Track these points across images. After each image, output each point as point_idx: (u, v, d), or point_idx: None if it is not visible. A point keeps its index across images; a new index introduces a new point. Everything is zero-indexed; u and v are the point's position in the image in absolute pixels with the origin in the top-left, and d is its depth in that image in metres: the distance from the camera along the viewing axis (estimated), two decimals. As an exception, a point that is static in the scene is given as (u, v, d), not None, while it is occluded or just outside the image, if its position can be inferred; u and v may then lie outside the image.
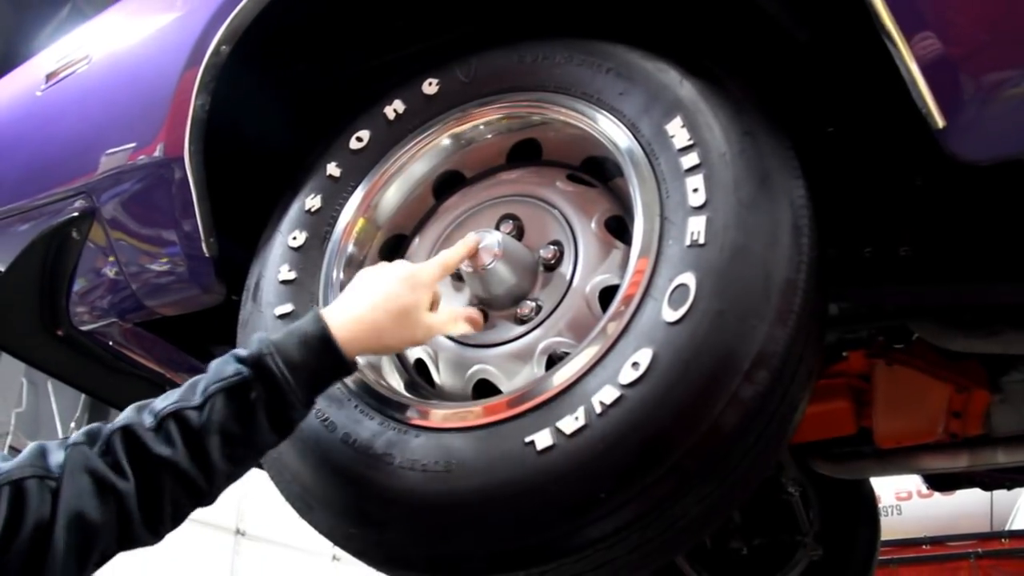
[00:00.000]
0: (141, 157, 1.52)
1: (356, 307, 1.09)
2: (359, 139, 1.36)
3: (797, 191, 1.08)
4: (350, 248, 1.31)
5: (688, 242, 1.03)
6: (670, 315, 1.00)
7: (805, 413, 1.83)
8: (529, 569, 1.02)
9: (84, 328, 1.76)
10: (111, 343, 1.83)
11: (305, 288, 1.29)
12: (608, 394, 0.99)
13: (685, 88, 1.13)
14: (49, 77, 1.79)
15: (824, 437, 2.09)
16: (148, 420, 0.97)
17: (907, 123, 1.28)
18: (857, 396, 1.97)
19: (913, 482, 5.41)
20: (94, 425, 0.97)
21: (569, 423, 0.99)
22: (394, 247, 1.37)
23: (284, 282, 1.31)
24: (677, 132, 1.10)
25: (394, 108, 1.35)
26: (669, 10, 1.34)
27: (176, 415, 0.97)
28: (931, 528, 5.02)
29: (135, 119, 1.56)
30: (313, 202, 1.35)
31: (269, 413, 1.01)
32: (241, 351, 1.04)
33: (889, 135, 1.41)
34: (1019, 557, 4.48)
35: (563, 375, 1.03)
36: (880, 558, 4.77)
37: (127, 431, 0.95)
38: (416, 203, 1.37)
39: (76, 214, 1.62)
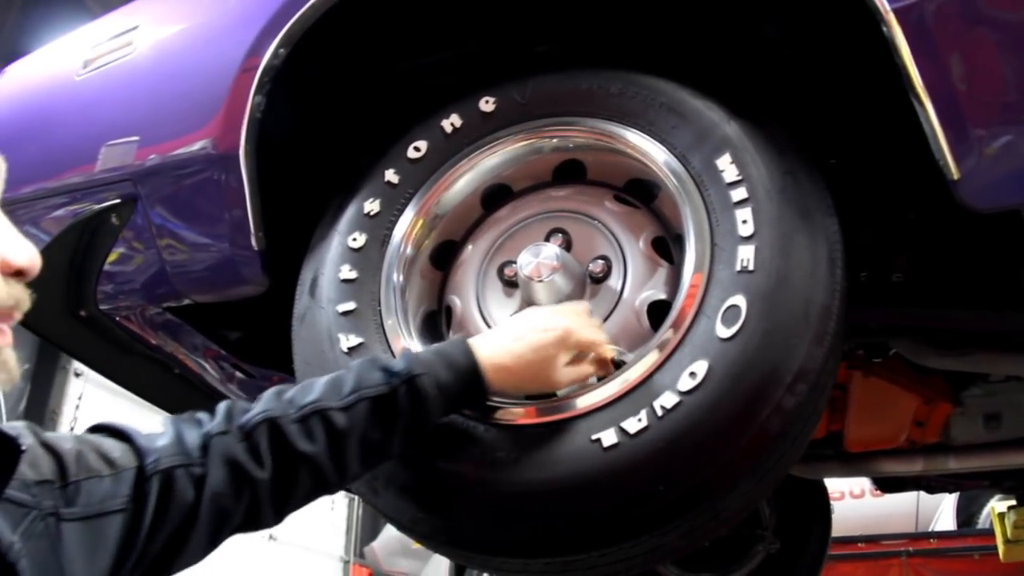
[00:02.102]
0: (192, 150, 1.57)
1: (507, 349, 1.16)
2: (417, 149, 1.46)
3: (832, 226, 1.22)
4: (408, 251, 1.41)
5: (739, 268, 1.16)
6: (723, 332, 1.12)
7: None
8: (589, 552, 1.14)
9: (107, 310, 1.82)
10: (132, 327, 1.89)
11: (366, 288, 1.38)
12: (668, 399, 1.11)
13: (732, 127, 1.26)
14: (87, 63, 1.84)
15: (796, 439, 2.25)
16: (291, 413, 1.04)
17: (905, 163, 1.43)
18: (831, 403, 2.13)
19: (845, 484, 5.68)
20: (232, 407, 1.05)
21: (633, 424, 1.12)
22: (444, 252, 1.48)
23: (345, 281, 1.40)
24: (727, 167, 1.23)
25: (451, 122, 1.45)
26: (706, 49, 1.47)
27: (322, 413, 1.05)
28: (861, 527, 5.26)
29: (186, 113, 1.61)
30: (372, 206, 1.45)
31: (408, 427, 1.10)
32: (390, 363, 1.12)
33: (887, 172, 1.56)
34: (946, 556, 4.74)
35: (625, 380, 1.16)
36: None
37: (272, 424, 1.03)
38: (466, 212, 1.47)
39: (118, 200, 1.68)
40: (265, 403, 1.06)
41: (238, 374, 2.02)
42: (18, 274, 0.80)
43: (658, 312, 1.26)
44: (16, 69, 2.08)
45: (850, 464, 2.37)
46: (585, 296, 1.32)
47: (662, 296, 1.27)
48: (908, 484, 2.93)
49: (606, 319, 1.29)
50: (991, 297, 1.57)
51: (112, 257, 1.75)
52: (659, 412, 1.11)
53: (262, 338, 1.89)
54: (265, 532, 9.39)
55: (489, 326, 1.36)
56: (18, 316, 0.83)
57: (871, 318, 1.70)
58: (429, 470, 1.20)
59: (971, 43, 1.16)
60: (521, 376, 1.16)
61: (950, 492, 3.07)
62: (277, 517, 1.05)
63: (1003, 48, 1.15)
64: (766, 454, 1.12)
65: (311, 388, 1.08)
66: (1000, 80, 1.15)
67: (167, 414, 1.23)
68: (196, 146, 1.57)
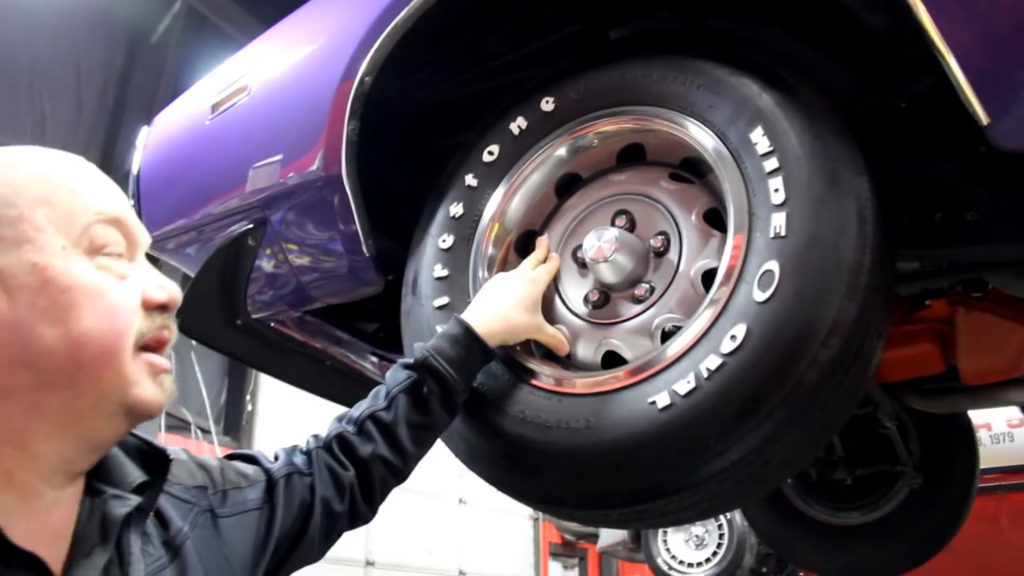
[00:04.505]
0: (304, 175, 1.77)
1: (488, 307, 1.42)
2: (490, 153, 1.62)
3: (862, 186, 1.29)
4: (490, 249, 1.58)
5: (772, 234, 1.26)
6: (759, 296, 1.23)
7: (897, 356, 2.06)
8: (656, 501, 1.28)
9: (259, 317, 2.09)
10: (280, 328, 2.15)
11: (457, 284, 1.56)
12: (713, 362, 1.23)
13: (764, 100, 1.35)
14: (214, 108, 2.09)
15: (915, 376, 2.28)
16: (350, 428, 1.28)
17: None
18: (942, 339, 2.16)
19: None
20: (317, 435, 1.29)
21: (683, 386, 1.24)
22: (527, 241, 1.63)
23: (439, 279, 1.58)
24: (759, 140, 1.32)
25: (518, 124, 1.60)
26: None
27: (371, 417, 1.29)
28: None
29: (297, 142, 1.82)
30: (456, 209, 1.62)
31: (441, 400, 1.32)
32: (406, 359, 1.35)
33: (955, 110, 1.59)
34: None
35: (676, 347, 1.28)
36: (988, 485, 4.89)
37: (340, 438, 1.27)
38: (542, 202, 1.62)
39: (251, 225, 1.93)
40: (332, 426, 1.30)
41: (375, 360, 2.27)
42: (161, 308, 0.89)
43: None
44: (161, 118, 2.37)
45: (978, 396, 2.38)
46: (649, 270, 1.45)
47: (715, 264, 1.38)
48: (1056, 411, 2.87)
49: (666, 290, 1.42)
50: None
51: (255, 273, 2.01)
52: (705, 374, 1.23)
53: (395, 327, 2.12)
54: (456, 496, 9.88)
55: (567, 306, 1.51)
56: (169, 346, 0.92)
57: (955, 257, 1.74)
58: (515, 440, 1.37)
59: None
60: (512, 319, 1.41)
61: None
62: (370, 511, 1.29)
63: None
64: (807, 404, 1.22)
65: (360, 404, 1.32)
66: (1016, 24, 1.20)
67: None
68: (307, 171, 1.78)
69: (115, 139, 7.64)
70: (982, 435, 5.52)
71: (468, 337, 1.36)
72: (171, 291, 0.89)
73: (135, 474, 0.94)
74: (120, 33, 7.69)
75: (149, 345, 0.87)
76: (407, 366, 1.34)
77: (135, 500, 0.91)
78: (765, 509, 3.16)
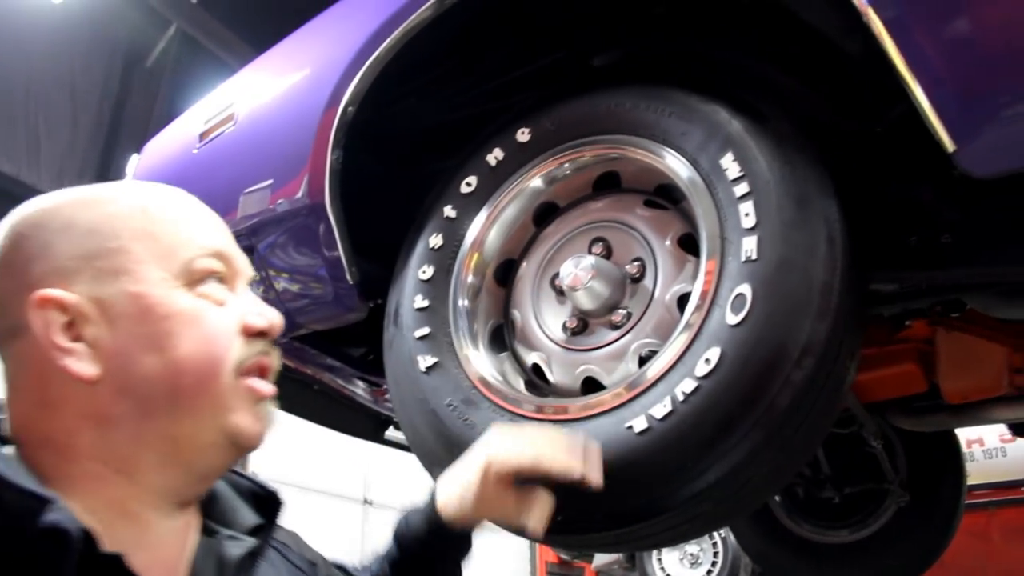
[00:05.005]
0: (288, 204, 1.80)
1: (451, 501, 1.19)
2: (468, 184, 1.64)
3: (831, 209, 1.32)
4: (470, 279, 1.60)
5: (744, 258, 1.28)
6: (732, 319, 1.25)
7: (880, 376, 2.08)
8: (636, 524, 1.30)
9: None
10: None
11: (438, 314, 1.58)
12: (688, 385, 1.25)
13: (734, 126, 1.37)
14: (202, 136, 2.12)
15: (899, 395, 2.30)
16: None
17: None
18: (924, 359, 2.18)
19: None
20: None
21: (659, 410, 1.26)
22: (506, 270, 1.65)
23: (419, 309, 1.60)
24: (730, 166, 1.35)
25: (495, 155, 1.63)
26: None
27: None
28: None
29: (281, 171, 1.85)
30: (436, 240, 1.64)
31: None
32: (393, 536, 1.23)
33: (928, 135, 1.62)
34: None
35: (652, 372, 1.30)
36: (978, 501, 4.90)
37: None
38: (520, 231, 1.64)
39: (239, 252, 1.95)
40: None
41: (363, 384, 2.29)
42: (262, 335, 0.89)
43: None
44: (151, 146, 2.39)
45: (962, 414, 2.40)
46: (625, 296, 1.48)
47: (690, 289, 1.40)
48: (1044, 427, 2.90)
49: (642, 316, 1.44)
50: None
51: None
52: (681, 397, 1.25)
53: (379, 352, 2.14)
54: (380, 501, 9.81)
55: (546, 334, 1.53)
56: (273, 374, 0.92)
57: (931, 279, 1.76)
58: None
59: (945, 20, 1.23)
60: (470, 519, 1.19)
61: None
62: None
63: (977, 22, 1.23)
64: (782, 425, 1.24)
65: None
66: (979, 54, 1.23)
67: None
68: (291, 200, 1.80)
69: (110, 163, 7.68)
70: (975, 450, 5.55)
71: (438, 532, 1.18)
72: (271, 318, 0.89)
73: (249, 517, 0.95)
74: (116, 57, 7.75)
75: (251, 372, 0.87)
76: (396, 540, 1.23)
77: (251, 542, 0.92)
78: (754, 528, 3.17)
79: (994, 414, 2.33)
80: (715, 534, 5.75)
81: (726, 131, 1.37)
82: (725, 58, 1.64)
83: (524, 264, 1.63)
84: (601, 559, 6.99)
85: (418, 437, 1.51)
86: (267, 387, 0.89)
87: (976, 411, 2.34)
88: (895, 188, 1.65)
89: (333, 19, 1.98)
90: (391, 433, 2.71)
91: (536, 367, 1.55)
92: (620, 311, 1.46)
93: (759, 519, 3.13)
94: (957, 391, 2.16)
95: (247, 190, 1.94)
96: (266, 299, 1.97)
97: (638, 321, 1.44)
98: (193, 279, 0.85)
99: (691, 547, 6.09)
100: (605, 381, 1.44)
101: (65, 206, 0.86)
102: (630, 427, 1.28)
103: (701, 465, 1.24)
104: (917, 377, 2.19)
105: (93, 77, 7.61)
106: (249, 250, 1.93)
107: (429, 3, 1.60)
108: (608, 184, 1.60)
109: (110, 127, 7.77)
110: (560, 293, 1.54)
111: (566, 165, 1.58)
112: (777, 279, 1.25)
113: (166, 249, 0.85)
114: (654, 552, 6.12)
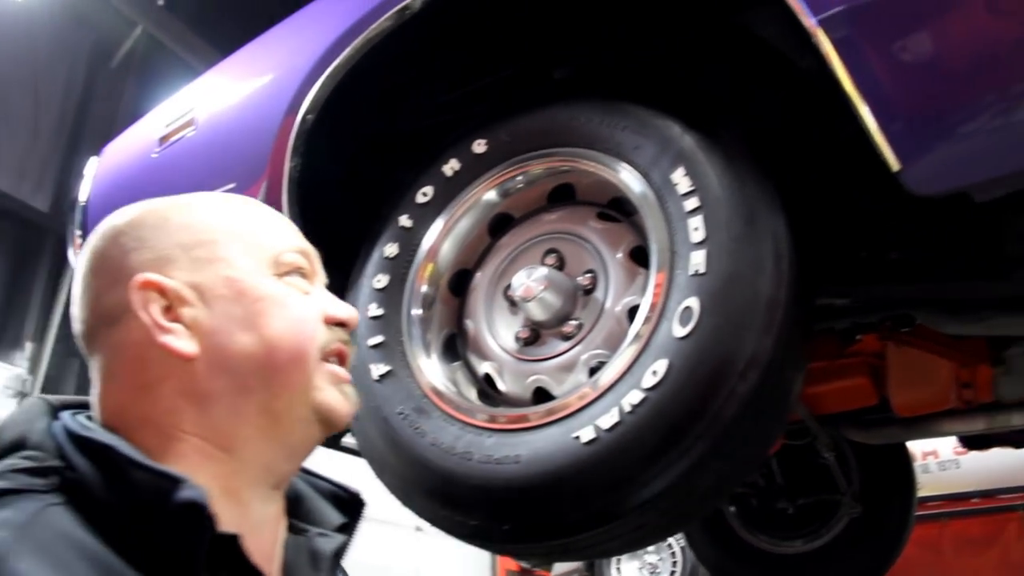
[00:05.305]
0: (246, 211, 1.82)
1: None
2: (424, 194, 1.66)
3: (779, 225, 1.34)
4: (424, 288, 1.61)
5: (692, 272, 1.30)
6: (680, 332, 1.27)
7: (831, 389, 2.11)
8: (583, 533, 1.31)
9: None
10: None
11: (392, 323, 1.58)
12: (635, 396, 1.27)
13: (686, 141, 1.40)
14: (162, 140, 2.11)
15: (850, 408, 2.34)
16: None
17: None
18: (875, 372, 2.21)
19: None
20: None
21: (606, 420, 1.28)
22: (460, 280, 1.66)
23: (373, 318, 1.60)
24: (681, 180, 1.37)
25: (451, 166, 1.64)
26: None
27: None
28: (989, 481, 5.17)
29: (238, 179, 1.84)
30: (391, 249, 1.65)
31: None
32: None
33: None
34: (1070, 508, 4.63)
35: (601, 383, 1.32)
36: (930, 512, 4.98)
37: None
38: (475, 242, 1.66)
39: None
40: None
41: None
42: (340, 325, 0.93)
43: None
44: (110, 149, 2.38)
45: (913, 427, 2.43)
46: (577, 308, 1.49)
47: (640, 301, 1.42)
48: (992, 441, 2.95)
49: (593, 327, 1.45)
50: (986, 269, 1.64)
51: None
52: (628, 408, 1.27)
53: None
54: (412, 524, 9.86)
55: (498, 344, 1.55)
56: (349, 362, 0.95)
57: (880, 293, 1.80)
58: (446, 475, 1.39)
59: (891, 42, 1.26)
60: None
61: (1035, 445, 3.05)
62: None
63: (922, 44, 1.25)
64: (728, 436, 1.26)
65: None
66: (923, 75, 1.25)
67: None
68: (249, 206, 1.81)
69: (72, 165, 7.60)
70: (930, 462, 5.64)
71: None
72: (350, 310, 0.94)
73: (334, 516, 0.98)
74: (80, 58, 7.68)
75: (331, 357, 0.91)
76: None
77: (341, 538, 0.95)
78: (709, 538, 3.20)
79: (943, 427, 2.37)
80: (674, 544, 5.78)
81: (678, 146, 1.39)
82: (682, 73, 1.66)
83: (478, 274, 1.64)
84: (560, 567, 6.99)
85: (369, 444, 1.52)
86: (346, 372, 0.93)
87: (925, 424, 2.38)
88: (845, 204, 1.68)
89: (295, 26, 1.98)
90: (349, 440, 2.71)
91: (488, 377, 1.56)
92: (572, 322, 1.48)
93: (714, 529, 3.16)
94: (907, 404, 2.19)
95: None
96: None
97: (589, 332, 1.46)
98: (280, 271, 0.90)
99: (650, 556, 6.11)
100: (555, 391, 1.46)
101: (158, 209, 0.91)
102: (577, 437, 1.29)
103: (647, 475, 1.26)
104: (868, 390, 2.22)
105: (56, 78, 7.54)
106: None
107: (390, 13, 1.61)
108: (564, 196, 1.62)
109: (73, 128, 7.70)
110: (513, 304, 1.55)
111: (519, 177, 1.60)
112: (724, 293, 1.27)
113: (256, 244, 0.90)
114: (613, 561, 6.14)
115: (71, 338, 0.94)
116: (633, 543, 1.37)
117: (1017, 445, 2.97)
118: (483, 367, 1.57)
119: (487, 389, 1.56)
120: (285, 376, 0.86)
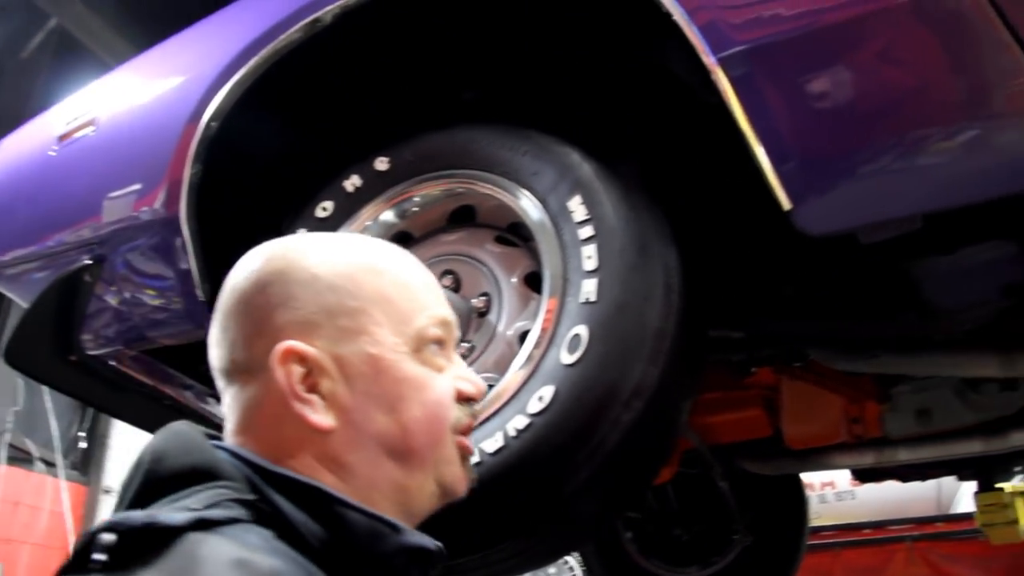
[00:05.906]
0: (144, 214, 1.77)
1: None
2: (324, 209, 1.64)
3: (671, 257, 1.37)
4: None
5: (583, 300, 1.31)
6: (567, 359, 1.28)
7: (726, 420, 2.14)
8: (466, 557, 1.31)
9: (94, 354, 2.04)
10: (116, 366, 2.10)
11: None
12: (520, 422, 1.27)
13: (584, 169, 1.41)
14: (61, 139, 2.06)
15: (744, 439, 2.38)
16: None
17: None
18: (769, 404, 2.26)
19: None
20: None
21: (491, 444, 1.28)
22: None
23: None
24: (577, 208, 1.38)
25: (352, 182, 1.63)
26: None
27: None
28: (883, 512, 5.33)
29: (137, 183, 1.81)
30: (289, 263, 1.62)
31: None
32: None
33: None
34: (952, 539, 4.79)
35: (487, 406, 1.32)
36: (824, 542, 5.11)
37: None
38: (373, 260, 1.64)
39: (89, 261, 1.89)
40: None
41: (214, 401, 2.24)
42: (468, 400, 0.94)
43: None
44: (6, 144, 2.30)
45: (805, 460, 2.47)
46: (470, 330, 1.49)
47: (532, 326, 1.43)
48: (882, 475, 3.03)
49: (484, 350, 1.45)
50: (878, 307, 1.69)
51: (91, 309, 1.96)
52: (513, 433, 1.27)
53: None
54: None
55: None
56: (473, 431, 0.99)
57: (772, 328, 1.84)
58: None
59: (786, 84, 1.29)
60: None
61: (921, 480, 3.14)
62: None
63: (816, 87, 1.29)
64: (611, 464, 1.27)
65: None
66: (815, 117, 1.29)
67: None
68: (146, 211, 1.77)
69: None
70: (827, 493, 5.78)
71: None
72: (479, 385, 0.95)
73: None
74: (-13, 43, 7.42)
75: (461, 431, 0.93)
76: None
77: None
78: (605, 563, 3.21)
79: (834, 460, 2.42)
80: (571, 560, 5.79)
81: (577, 174, 1.41)
82: (588, 103, 1.68)
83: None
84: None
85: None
86: (471, 444, 0.96)
87: (817, 457, 2.42)
88: (742, 240, 1.72)
89: (204, 32, 1.95)
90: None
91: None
92: (464, 344, 1.48)
93: (610, 554, 3.17)
94: (798, 437, 2.24)
95: (99, 200, 1.89)
96: (116, 310, 1.93)
97: (480, 355, 1.45)
98: (420, 346, 0.89)
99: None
100: None
101: (307, 258, 0.89)
102: None
103: (531, 499, 1.26)
104: (762, 422, 2.27)
105: (-39, 68, 7.29)
106: (101, 259, 1.88)
107: (299, 25, 1.60)
108: (466, 218, 1.62)
109: (-24, 121, 7.43)
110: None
111: (416, 197, 1.60)
112: (613, 322, 1.28)
113: (402, 314, 0.89)
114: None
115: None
116: (516, 568, 1.37)
117: (904, 479, 3.05)
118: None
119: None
120: (421, 458, 0.88)
